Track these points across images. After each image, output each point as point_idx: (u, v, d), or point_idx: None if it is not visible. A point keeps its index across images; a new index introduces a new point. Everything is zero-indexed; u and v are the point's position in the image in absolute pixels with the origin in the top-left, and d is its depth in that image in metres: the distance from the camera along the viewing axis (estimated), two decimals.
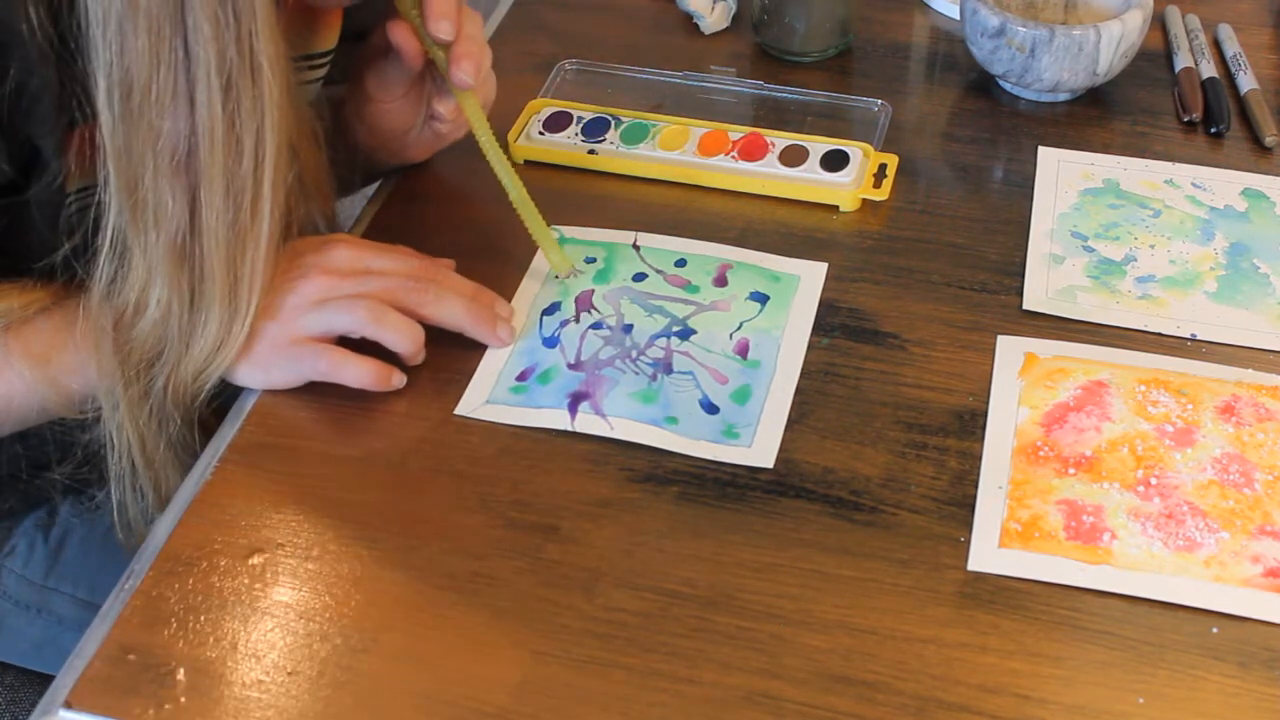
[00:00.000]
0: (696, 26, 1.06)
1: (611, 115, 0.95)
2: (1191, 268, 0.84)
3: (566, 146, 0.93)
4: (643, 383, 0.77)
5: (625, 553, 0.68)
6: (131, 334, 0.72)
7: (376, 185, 0.94)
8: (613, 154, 0.93)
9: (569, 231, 0.87)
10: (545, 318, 0.81)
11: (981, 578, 0.67)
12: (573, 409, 0.75)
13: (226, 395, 0.77)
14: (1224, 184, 0.90)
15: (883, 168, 0.91)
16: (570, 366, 0.78)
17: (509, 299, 0.82)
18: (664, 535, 0.69)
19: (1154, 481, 0.71)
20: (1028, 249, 0.85)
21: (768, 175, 0.90)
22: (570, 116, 0.95)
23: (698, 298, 0.82)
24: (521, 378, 0.77)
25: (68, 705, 0.63)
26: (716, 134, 0.93)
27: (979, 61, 0.98)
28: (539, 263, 0.85)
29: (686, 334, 0.80)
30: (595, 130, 0.94)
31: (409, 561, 0.68)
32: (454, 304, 0.77)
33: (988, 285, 0.83)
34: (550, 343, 0.80)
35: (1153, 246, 0.86)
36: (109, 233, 0.69)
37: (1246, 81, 0.98)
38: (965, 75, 1.01)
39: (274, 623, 0.65)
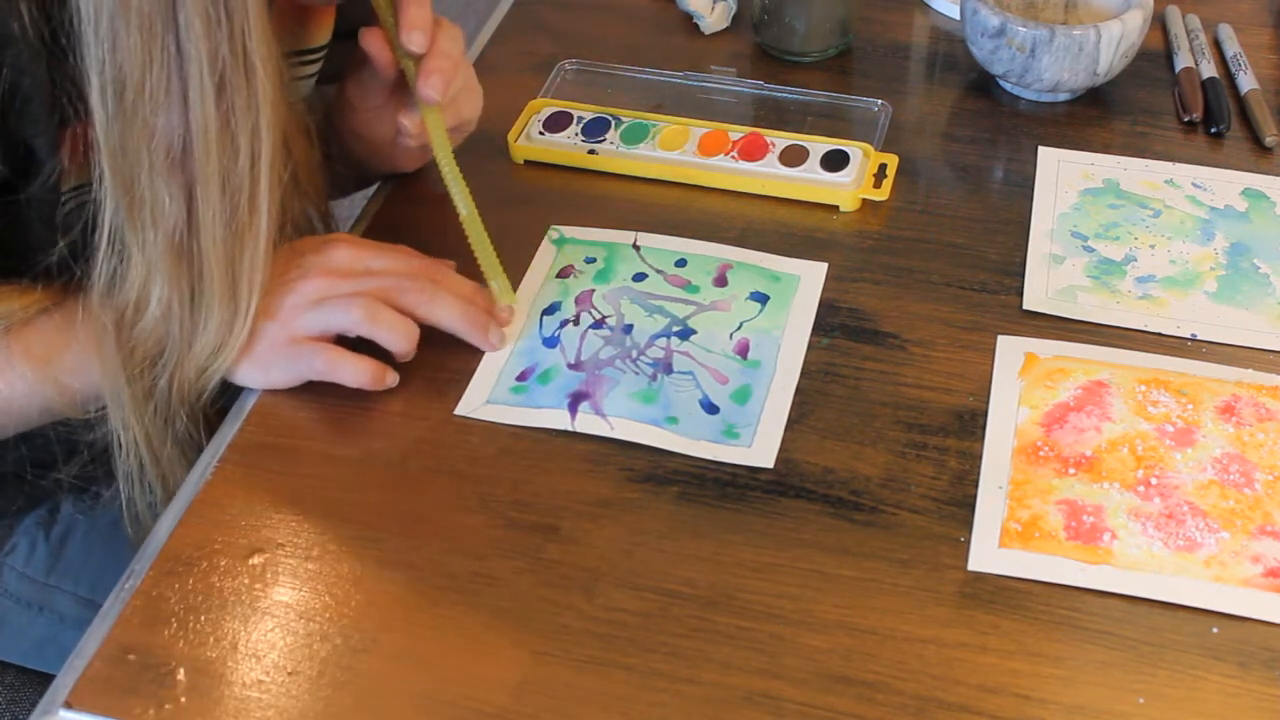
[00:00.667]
0: (696, 26, 1.06)
1: (611, 115, 0.95)
2: (1191, 268, 0.84)
3: (566, 146, 0.93)
4: (643, 383, 0.77)
5: (625, 553, 0.68)
6: (133, 332, 0.72)
7: (376, 185, 0.94)
8: (613, 154, 0.93)
9: (569, 232, 0.87)
10: (545, 318, 0.81)
11: (981, 578, 0.67)
12: (573, 409, 0.75)
13: (230, 395, 0.77)
14: (1224, 184, 0.90)
15: (883, 168, 0.91)
16: (570, 366, 0.78)
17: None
18: (664, 535, 0.69)
19: (1154, 481, 0.71)
20: (1028, 249, 0.85)
21: (768, 175, 0.90)
22: (570, 116, 0.95)
23: (698, 298, 0.82)
24: (522, 378, 0.77)
25: (68, 705, 0.63)
26: (716, 134, 0.93)
27: (979, 61, 0.98)
28: (539, 263, 0.85)
29: (686, 334, 0.80)
30: (595, 130, 0.94)
31: (409, 561, 0.68)
32: (449, 305, 0.77)
33: (988, 285, 0.83)
34: (550, 343, 0.80)
35: (1153, 246, 0.86)
36: (106, 231, 0.69)
37: (1246, 81, 0.98)
38: (965, 75, 1.01)
39: (274, 623, 0.65)
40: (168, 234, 0.69)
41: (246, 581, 0.67)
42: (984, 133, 0.96)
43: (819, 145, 0.92)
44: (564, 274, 0.84)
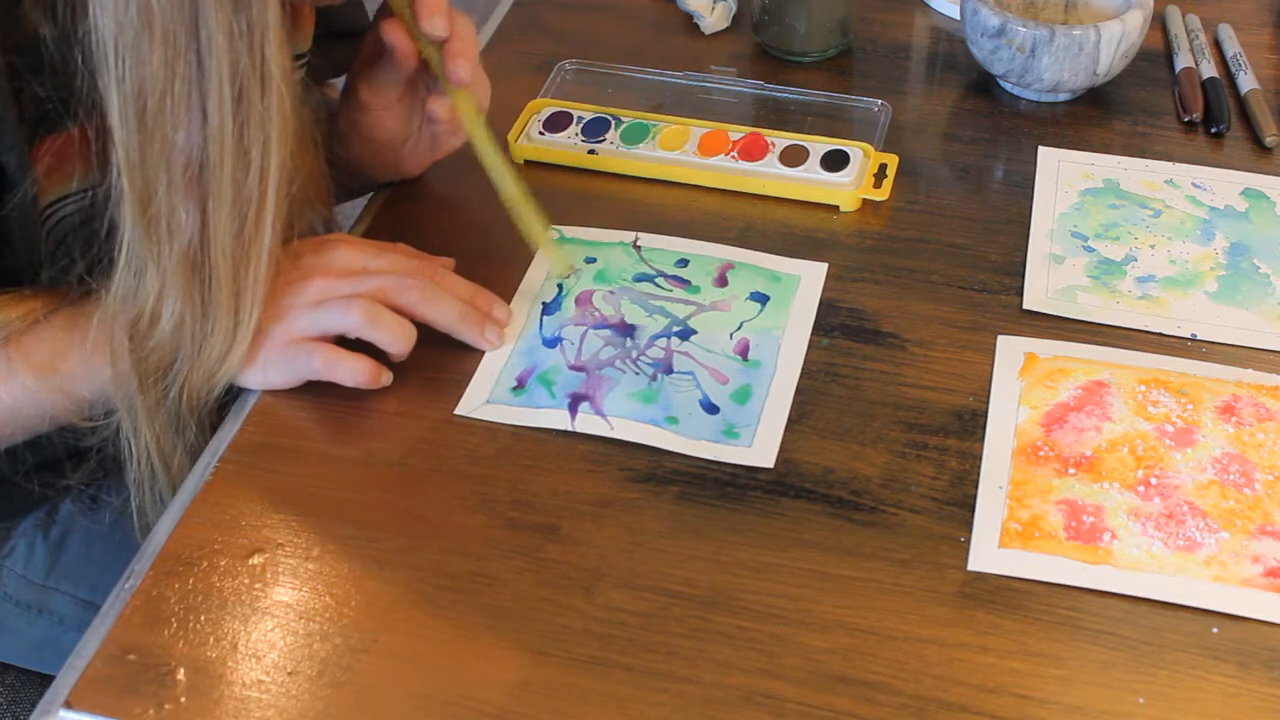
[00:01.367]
0: (696, 26, 1.06)
1: (611, 115, 0.95)
2: (1192, 268, 0.84)
3: (566, 146, 0.93)
4: (643, 383, 0.77)
5: (625, 553, 0.68)
6: (147, 344, 0.72)
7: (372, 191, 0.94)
8: (613, 154, 0.93)
9: (569, 231, 0.87)
10: (545, 318, 0.81)
11: (981, 578, 0.67)
12: (573, 409, 0.75)
13: (230, 395, 0.77)
14: (1224, 184, 0.90)
15: (883, 168, 0.91)
16: (570, 367, 0.78)
17: (508, 299, 0.82)
18: (664, 535, 0.69)
19: (1154, 481, 0.71)
20: (1028, 249, 0.85)
21: (768, 175, 0.90)
22: (570, 116, 0.95)
23: (698, 298, 0.82)
24: (522, 378, 0.77)
25: (68, 705, 0.63)
26: (716, 134, 0.93)
27: (979, 61, 0.98)
28: (539, 263, 0.85)
29: (687, 334, 0.80)
30: (595, 130, 0.94)
31: (409, 561, 0.68)
32: (446, 304, 0.77)
33: (988, 285, 0.83)
34: (550, 343, 0.80)
35: (1153, 246, 0.86)
36: (124, 247, 0.69)
37: (1246, 81, 0.98)
38: (965, 75, 1.01)
39: (274, 623, 0.65)
40: (183, 247, 0.69)
41: (246, 581, 0.67)
42: (984, 133, 0.96)
43: (819, 145, 0.92)
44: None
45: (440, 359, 0.78)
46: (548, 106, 0.97)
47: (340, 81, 0.97)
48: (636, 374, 0.77)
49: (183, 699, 0.62)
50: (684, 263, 0.85)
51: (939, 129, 0.97)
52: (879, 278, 0.84)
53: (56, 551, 0.90)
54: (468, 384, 0.77)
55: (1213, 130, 0.95)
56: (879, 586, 0.66)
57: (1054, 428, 0.74)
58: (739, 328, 0.80)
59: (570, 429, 0.74)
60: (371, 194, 0.93)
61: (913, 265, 0.85)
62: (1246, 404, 0.75)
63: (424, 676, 0.63)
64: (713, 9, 1.06)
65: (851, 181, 0.89)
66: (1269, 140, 0.93)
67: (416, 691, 0.63)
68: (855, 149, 0.91)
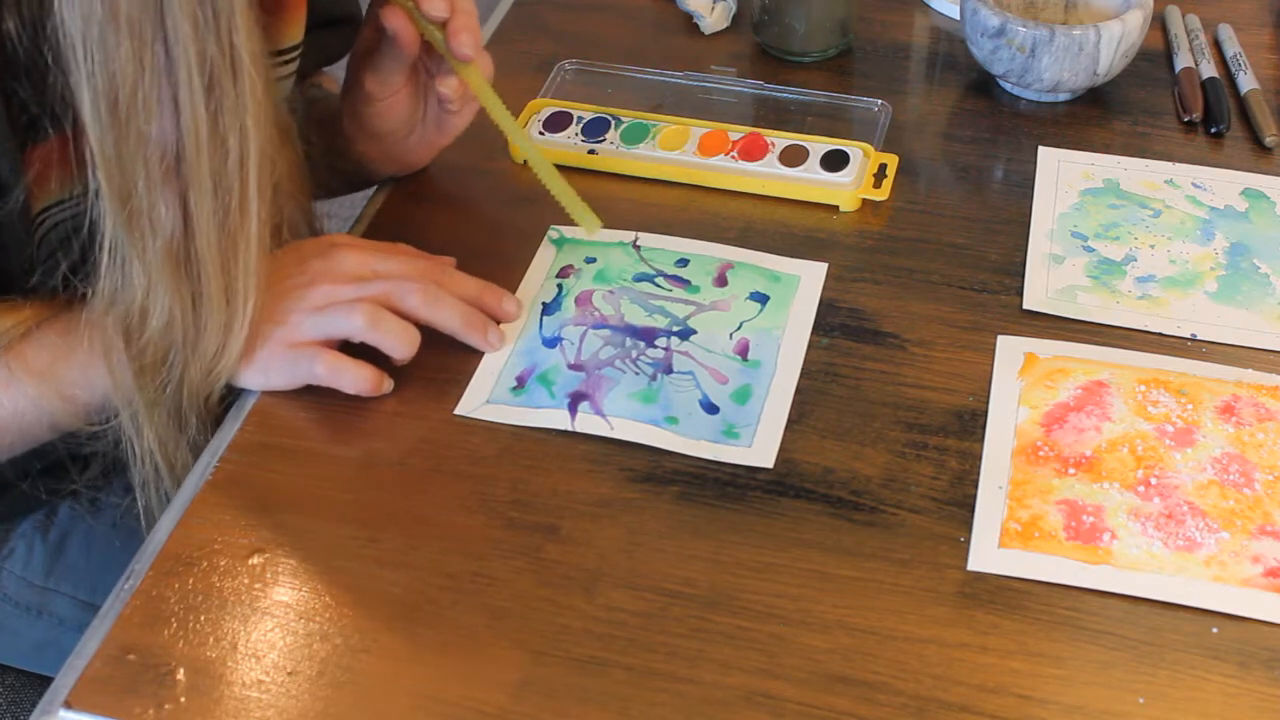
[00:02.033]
0: (696, 26, 1.06)
1: (611, 115, 0.95)
2: (1191, 268, 0.84)
3: (566, 146, 0.93)
4: (643, 383, 0.77)
5: (625, 553, 0.68)
6: (140, 342, 0.71)
7: (376, 185, 0.94)
8: (613, 154, 0.93)
9: (569, 232, 0.87)
10: (545, 318, 0.81)
11: (981, 578, 0.67)
12: (573, 409, 0.75)
13: (232, 394, 0.77)
14: (1224, 184, 0.90)
15: (883, 168, 0.91)
16: (570, 366, 0.78)
17: None
18: (664, 535, 0.69)
19: (1154, 481, 0.71)
20: (1028, 249, 0.85)
21: (768, 175, 0.90)
22: (570, 116, 0.95)
23: (698, 298, 0.82)
24: (521, 378, 0.77)
25: (68, 705, 0.63)
26: (716, 134, 0.93)
27: (979, 61, 0.98)
28: (539, 262, 0.85)
29: (687, 334, 0.80)
30: (595, 130, 0.94)
31: (409, 561, 0.68)
32: (450, 308, 0.77)
33: (988, 285, 0.83)
34: (550, 343, 0.80)
35: (1153, 246, 0.86)
36: (106, 244, 0.69)
37: (1246, 81, 0.98)
38: (965, 75, 1.01)
39: (274, 623, 0.65)
40: (166, 241, 0.68)
41: (246, 581, 0.67)
42: (984, 133, 0.96)
43: (819, 145, 0.92)
44: (564, 274, 0.84)
45: (440, 359, 0.78)
46: (548, 106, 0.97)
47: (333, 71, 0.97)
48: (636, 374, 0.77)
49: (183, 699, 0.62)
50: (683, 263, 0.85)
51: (939, 129, 0.97)
52: (879, 278, 0.84)
53: (56, 553, 0.90)
54: (468, 384, 0.77)
55: (1213, 130, 0.95)
56: (879, 586, 0.66)
57: (1054, 428, 0.74)
58: (739, 328, 0.80)
59: (570, 429, 0.74)
60: (371, 194, 0.93)
61: (913, 265, 0.85)
62: (1246, 404, 0.75)
63: (424, 676, 0.63)
64: (713, 9, 1.06)
65: (851, 181, 0.89)
66: (1269, 140, 0.93)
67: (416, 691, 0.63)
68: (855, 149, 0.91)
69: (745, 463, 0.72)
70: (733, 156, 0.92)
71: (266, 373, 0.75)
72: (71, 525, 0.91)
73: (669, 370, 0.78)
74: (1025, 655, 0.63)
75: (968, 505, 0.70)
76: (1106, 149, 0.94)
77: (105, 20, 0.63)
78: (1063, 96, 0.98)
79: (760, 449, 0.73)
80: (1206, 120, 0.96)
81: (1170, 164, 0.92)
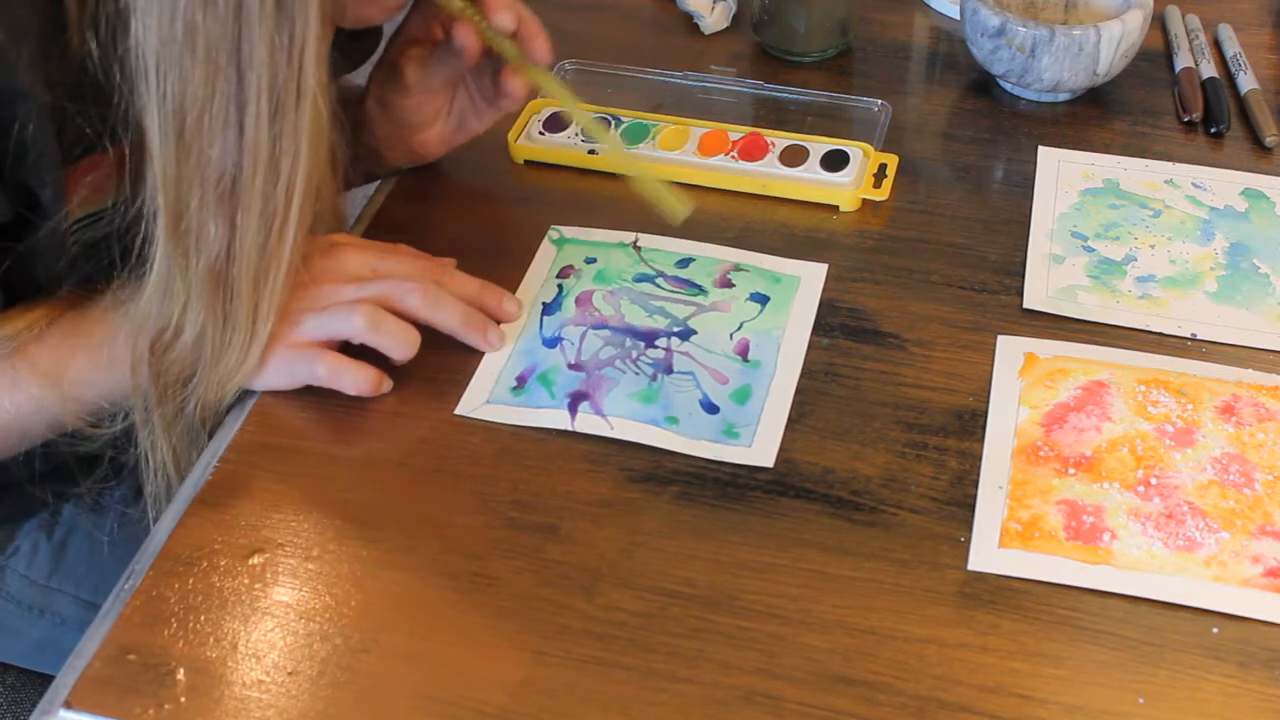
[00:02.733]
0: (696, 26, 1.06)
1: (611, 115, 0.95)
2: (1191, 268, 0.84)
3: (566, 146, 0.93)
4: (643, 383, 0.77)
5: (625, 553, 0.68)
6: (168, 357, 0.72)
7: (377, 184, 0.94)
8: (613, 154, 0.93)
9: (569, 232, 0.87)
10: (546, 318, 0.81)
11: (981, 578, 0.67)
12: (573, 409, 0.75)
13: (234, 398, 0.77)
14: (1224, 184, 0.90)
15: (883, 168, 0.91)
16: (570, 367, 0.78)
17: None
18: (664, 535, 0.69)
19: (1154, 481, 0.71)
20: (1028, 249, 0.85)
21: (768, 175, 0.90)
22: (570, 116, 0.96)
23: (698, 298, 0.82)
24: (521, 378, 0.78)
25: (68, 705, 0.63)
26: (716, 134, 0.93)
27: (979, 61, 0.98)
28: (539, 262, 0.85)
29: (687, 334, 0.80)
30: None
31: (409, 561, 0.68)
32: (450, 308, 0.77)
33: (988, 285, 0.83)
34: (550, 343, 0.80)
35: (1153, 246, 0.86)
36: (153, 262, 0.69)
37: (1246, 81, 0.98)
38: (965, 75, 1.01)
39: (274, 623, 0.65)
40: (209, 261, 0.69)
41: (246, 581, 0.67)
42: (984, 133, 0.96)
43: (819, 145, 0.92)
44: (564, 274, 0.84)
45: (440, 359, 0.78)
46: (548, 106, 0.97)
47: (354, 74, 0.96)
48: (636, 374, 0.77)
49: (183, 699, 0.62)
50: (684, 263, 0.85)
51: (939, 129, 0.97)
52: (879, 278, 0.84)
53: (59, 552, 0.90)
54: (468, 384, 0.77)
55: (1212, 130, 0.95)
56: (879, 586, 0.66)
57: (1054, 428, 0.74)
58: (739, 328, 0.80)
59: (570, 429, 0.74)
60: (371, 193, 0.93)
61: (913, 265, 0.85)
62: (1246, 404, 0.75)
63: (424, 676, 0.63)
64: (713, 9, 1.06)
65: (851, 181, 0.89)
66: (1269, 140, 0.93)
67: (417, 691, 0.63)
68: (855, 149, 0.91)
69: (745, 463, 0.72)
70: (733, 156, 0.92)
71: (265, 372, 0.75)
72: (75, 525, 0.91)
73: (669, 370, 0.78)
74: (1025, 655, 0.63)
75: (968, 505, 0.70)
76: (1106, 149, 0.94)
77: (183, 44, 0.63)
78: (1063, 96, 0.98)
79: (760, 449, 0.73)
80: (1206, 120, 0.96)
81: (1170, 164, 0.92)
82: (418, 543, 0.69)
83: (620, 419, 0.75)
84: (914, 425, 0.74)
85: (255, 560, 0.68)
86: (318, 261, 0.76)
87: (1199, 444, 0.72)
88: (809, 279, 0.83)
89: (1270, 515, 0.69)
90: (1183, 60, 1.00)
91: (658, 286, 0.83)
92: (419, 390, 0.77)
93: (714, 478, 0.72)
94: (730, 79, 1.01)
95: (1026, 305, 0.81)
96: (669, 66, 1.02)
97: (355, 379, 0.75)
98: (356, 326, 0.75)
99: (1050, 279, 0.83)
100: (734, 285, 0.83)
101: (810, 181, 0.90)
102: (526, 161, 0.94)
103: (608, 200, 0.90)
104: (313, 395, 0.76)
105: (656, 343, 0.79)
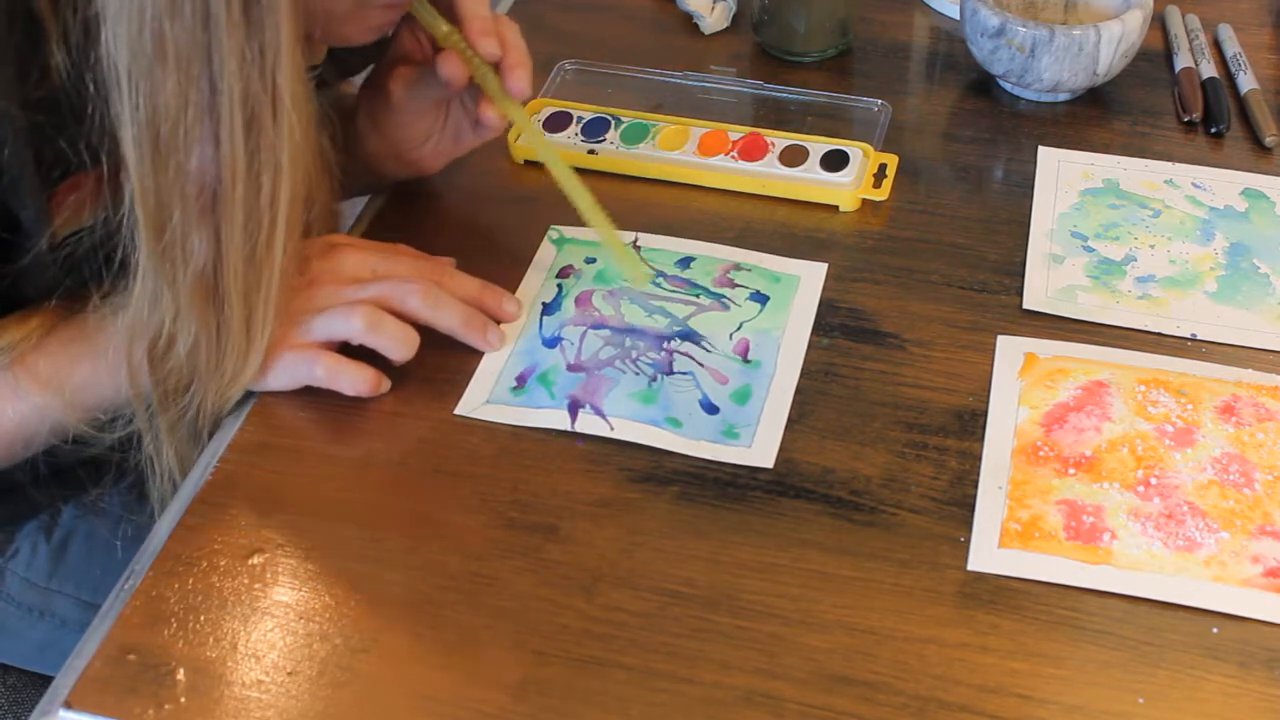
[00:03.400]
0: (696, 26, 1.06)
1: (611, 115, 0.95)
2: (1191, 268, 0.84)
3: (566, 146, 0.93)
4: (643, 383, 0.77)
5: (625, 553, 0.68)
6: (165, 366, 0.72)
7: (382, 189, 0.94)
8: (613, 154, 0.93)
9: (569, 232, 0.87)
10: (545, 318, 0.81)
11: (981, 578, 0.67)
12: (573, 409, 0.75)
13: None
14: (1224, 184, 0.90)
15: (883, 168, 0.91)
16: (570, 367, 0.78)
17: None
18: (664, 535, 0.69)
19: (1154, 481, 0.71)
20: (1028, 249, 0.85)
21: (768, 175, 0.90)
22: (570, 116, 0.95)
23: (703, 300, 0.82)
24: (521, 378, 0.78)
25: (68, 705, 0.63)
26: (716, 134, 0.93)
27: (979, 61, 0.98)
28: (539, 262, 0.85)
29: (687, 334, 0.80)
30: (595, 130, 0.94)
31: (409, 561, 0.68)
32: (449, 309, 0.77)
33: (988, 285, 0.83)
34: (550, 343, 0.80)
35: (1153, 246, 0.86)
36: (138, 273, 0.69)
37: (1246, 81, 0.98)
38: (965, 75, 1.01)
39: (274, 623, 0.65)
40: (196, 272, 0.69)
41: (246, 581, 0.67)
42: (984, 133, 0.96)
43: (819, 145, 0.92)
44: (564, 274, 0.84)
45: (440, 359, 0.78)
46: (547, 106, 0.97)
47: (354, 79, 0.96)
48: (636, 374, 0.77)
49: (183, 699, 0.62)
50: (684, 263, 0.85)
51: (939, 129, 0.97)
52: (879, 278, 0.84)
53: (59, 554, 0.90)
54: (468, 384, 0.77)
55: (1212, 130, 0.95)
56: (879, 586, 0.66)
57: (1054, 428, 0.74)
58: (739, 328, 0.80)
59: (570, 429, 0.74)
60: (369, 196, 0.93)
61: (913, 265, 0.85)
62: (1246, 404, 0.75)
63: (424, 676, 0.63)
64: (713, 9, 1.06)
65: (851, 181, 0.89)
66: (1269, 140, 0.93)
67: (417, 691, 0.63)
68: (855, 149, 0.91)
69: (745, 463, 0.72)
70: (733, 156, 0.92)
71: (265, 374, 0.75)
72: (75, 527, 0.91)
73: (669, 371, 0.78)
74: (1025, 655, 0.63)
75: (968, 505, 0.70)
76: (1106, 149, 0.94)
77: (153, 54, 0.62)
78: (1062, 96, 0.98)
79: (760, 449, 0.73)
80: (1206, 120, 0.96)
81: (1170, 164, 0.92)
82: (417, 543, 0.69)
83: (620, 419, 0.75)
84: (914, 425, 0.74)
85: (255, 560, 0.68)
86: (316, 263, 0.76)
87: (1199, 444, 0.72)
88: (809, 279, 0.83)
89: (1270, 515, 0.69)
90: (1183, 60, 1.00)
91: (658, 287, 0.83)
92: (419, 390, 0.77)
93: (714, 478, 0.72)
94: (730, 79, 1.01)
95: (1026, 305, 0.81)
96: (669, 66, 1.02)
97: (353, 380, 0.75)
98: (355, 328, 0.75)
99: (1050, 279, 0.83)
100: (735, 286, 0.83)
101: (810, 181, 0.90)
102: (526, 161, 0.94)
103: (608, 200, 0.90)
104: (312, 395, 0.76)
105: (657, 343, 0.79)
